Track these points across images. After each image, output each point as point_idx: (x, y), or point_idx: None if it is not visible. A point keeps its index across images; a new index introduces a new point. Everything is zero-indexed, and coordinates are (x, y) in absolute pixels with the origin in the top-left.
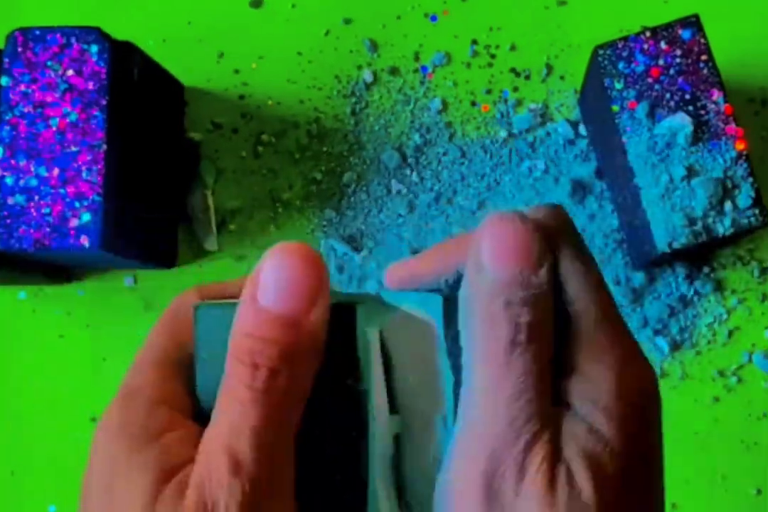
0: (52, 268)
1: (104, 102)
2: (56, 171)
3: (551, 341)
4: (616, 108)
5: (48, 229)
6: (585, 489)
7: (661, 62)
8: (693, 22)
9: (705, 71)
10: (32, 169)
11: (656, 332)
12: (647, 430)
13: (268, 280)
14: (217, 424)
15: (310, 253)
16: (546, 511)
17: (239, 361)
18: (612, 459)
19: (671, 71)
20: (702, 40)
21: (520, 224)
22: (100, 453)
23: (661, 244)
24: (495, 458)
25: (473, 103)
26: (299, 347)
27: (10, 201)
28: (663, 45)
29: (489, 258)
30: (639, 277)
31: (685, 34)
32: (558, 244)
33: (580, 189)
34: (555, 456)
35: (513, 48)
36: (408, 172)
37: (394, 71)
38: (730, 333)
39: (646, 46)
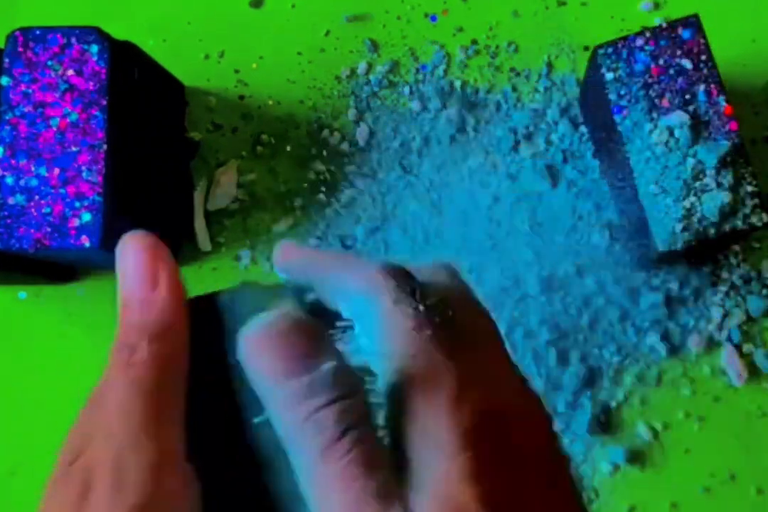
0: (52, 268)
1: (104, 102)
2: (56, 171)
3: (372, 436)
4: (615, 108)
5: (48, 229)
6: None
7: (661, 62)
8: (693, 22)
9: (705, 71)
10: (33, 168)
11: (656, 332)
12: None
13: (118, 271)
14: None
15: (141, 240)
16: None
17: (114, 345)
18: None
19: (671, 71)
20: (702, 40)
21: (282, 328)
22: None
23: (661, 244)
24: None
25: (473, 103)
26: (152, 325)
27: (11, 201)
28: (663, 45)
29: (267, 373)
30: (639, 277)
31: (685, 34)
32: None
33: (577, 187)
34: None
35: (513, 48)
36: (408, 171)
37: (394, 71)
38: (730, 333)
39: (646, 46)
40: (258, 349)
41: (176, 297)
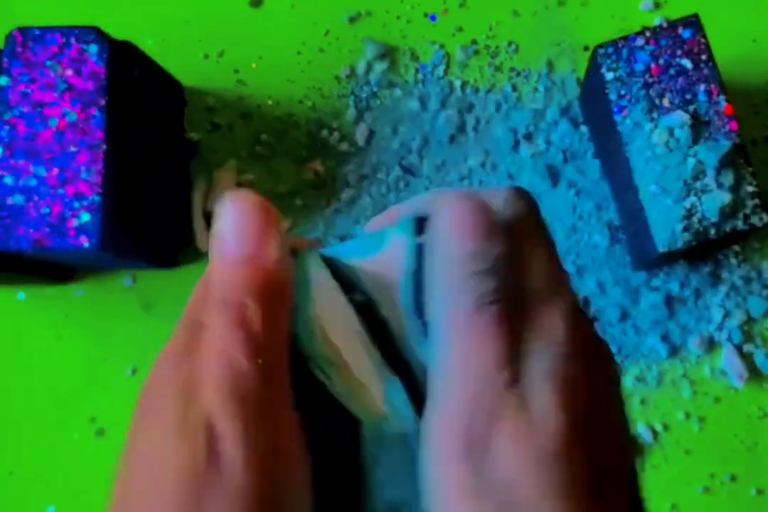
0: (51, 268)
1: (103, 102)
2: (55, 171)
3: (512, 305)
4: (615, 108)
5: (47, 229)
6: (551, 415)
7: (661, 62)
8: (693, 22)
9: (705, 71)
10: (31, 168)
11: (656, 332)
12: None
13: (219, 229)
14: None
15: (251, 199)
16: (519, 446)
17: (211, 303)
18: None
19: (671, 71)
20: (702, 40)
21: (478, 208)
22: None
23: (661, 245)
24: (472, 408)
25: (473, 103)
26: (260, 284)
27: (10, 201)
28: (663, 45)
29: (453, 234)
30: (639, 277)
31: (685, 33)
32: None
33: (577, 188)
34: (526, 395)
35: (513, 48)
36: (408, 171)
37: (393, 71)
38: (731, 334)
39: (646, 46)
40: (456, 207)
41: (283, 261)
